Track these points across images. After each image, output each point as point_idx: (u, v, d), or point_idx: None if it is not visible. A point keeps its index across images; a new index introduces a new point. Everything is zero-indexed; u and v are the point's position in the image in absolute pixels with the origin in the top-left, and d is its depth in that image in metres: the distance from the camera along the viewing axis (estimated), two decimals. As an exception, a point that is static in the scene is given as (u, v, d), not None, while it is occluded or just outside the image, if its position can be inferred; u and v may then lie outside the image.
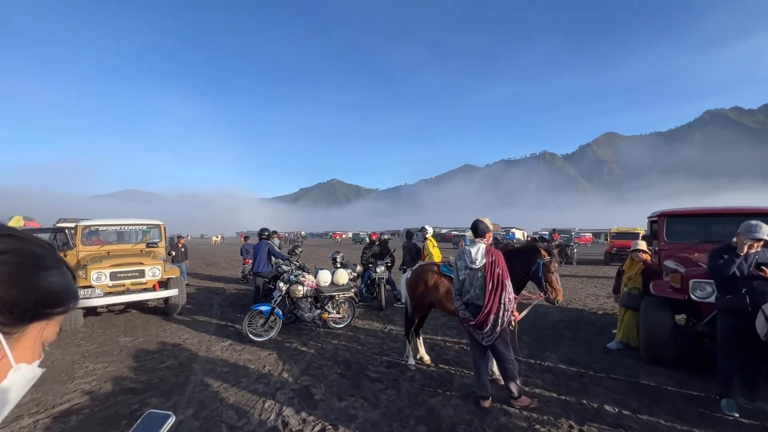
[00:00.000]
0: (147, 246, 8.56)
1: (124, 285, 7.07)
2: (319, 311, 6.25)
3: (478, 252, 3.64)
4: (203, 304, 8.89)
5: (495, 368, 4.21)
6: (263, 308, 5.79)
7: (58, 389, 4.17)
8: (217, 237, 59.47)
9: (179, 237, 12.52)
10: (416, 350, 5.00)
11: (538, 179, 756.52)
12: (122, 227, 8.72)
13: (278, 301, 5.93)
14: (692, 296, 4.46)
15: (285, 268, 6.58)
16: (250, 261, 9.90)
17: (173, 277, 7.64)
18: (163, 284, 7.67)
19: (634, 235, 22.22)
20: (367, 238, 11.37)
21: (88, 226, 8.23)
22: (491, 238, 3.77)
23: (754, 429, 3.30)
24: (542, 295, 3.93)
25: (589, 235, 48.82)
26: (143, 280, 7.21)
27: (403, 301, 8.55)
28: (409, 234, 8.92)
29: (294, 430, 3.31)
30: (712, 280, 4.34)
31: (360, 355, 5.23)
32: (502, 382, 3.80)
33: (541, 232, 37.31)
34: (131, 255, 7.81)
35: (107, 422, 3.44)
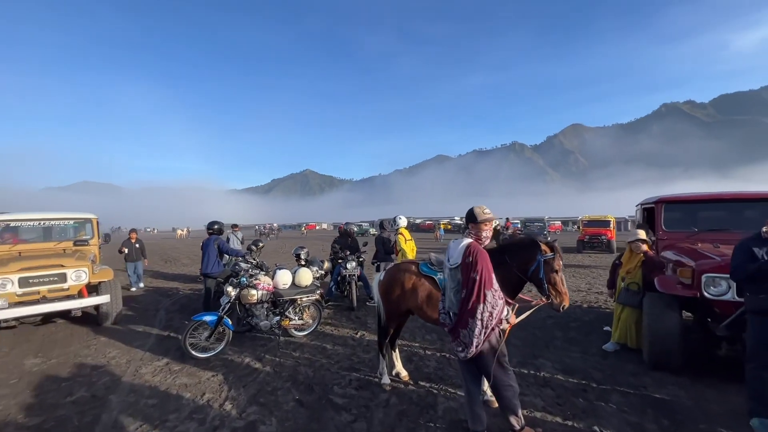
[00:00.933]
0: (75, 244, 7.26)
1: (39, 293, 5.84)
2: (277, 318, 5.32)
3: (459, 248, 2.85)
4: (147, 310, 7.72)
5: (486, 387, 3.48)
6: (207, 318, 4.80)
7: None
8: (182, 230, 56.36)
9: (131, 231, 11.02)
10: (391, 365, 4.20)
11: (508, 169, 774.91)
12: (44, 222, 7.35)
13: (226, 309, 4.95)
14: (705, 293, 3.89)
15: (243, 265, 5.58)
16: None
17: (105, 280, 6.46)
18: (94, 289, 6.48)
19: (605, 223, 22.45)
20: (347, 229, 8.99)
21: (-1, 222, 6.84)
22: (489, 230, 2.96)
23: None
24: (543, 299, 3.19)
25: (558, 223, 50.01)
26: (64, 285, 6.00)
27: (376, 302, 7.79)
28: (382, 226, 8.07)
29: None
30: (726, 275, 3.79)
31: (325, 372, 4.38)
32: (497, 405, 3.08)
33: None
34: (50, 256, 6.52)
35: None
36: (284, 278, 5.40)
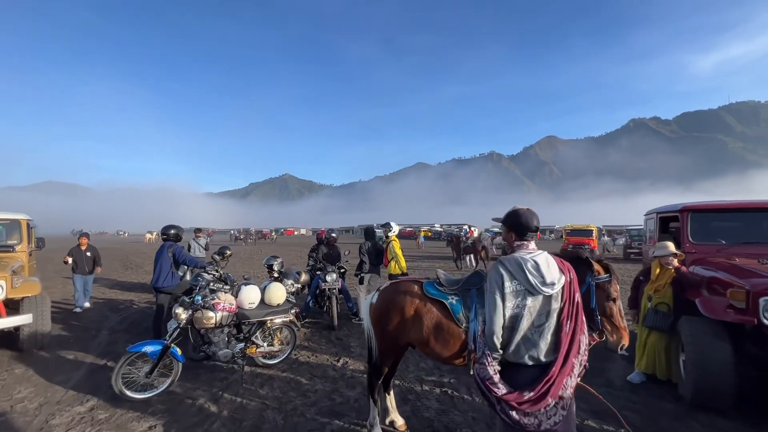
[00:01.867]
0: (-4, 251, 6.01)
1: (-65, 312, 4.62)
2: (241, 345, 4.33)
3: (550, 261, 2.02)
4: (88, 329, 6.51)
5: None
6: (148, 349, 3.76)
7: None
8: (150, 234, 53.28)
9: (80, 236, 8.65)
10: (385, 411, 3.31)
11: (486, 178, 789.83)
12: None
13: (174, 336, 3.92)
14: (765, 320, 3.23)
15: (207, 276, 4.55)
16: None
17: (29, 296, 5.27)
18: (17, 306, 5.28)
19: (587, 232, 22.38)
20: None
21: None
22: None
23: None
24: (595, 337, 2.40)
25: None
26: (-29, 302, 4.79)
27: (362, 322, 6.86)
28: (370, 233, 7.18)
29: None
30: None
31: (299, 419, 3.43)
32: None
33: (452, 228, 35.41)
34: (-45, 265, 5.28)
35: None
36: (251, 296, 4.42)
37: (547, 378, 1.87)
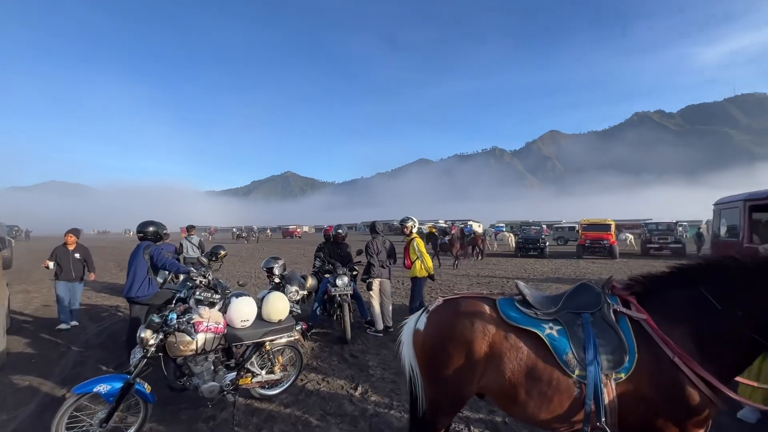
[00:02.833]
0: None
1: None
2: (232, 376, 3.32)
3: None
4: (57, 344, 5.53)
5: None
6: (102, 388, 2.76)
7: None
8: None
9: (68, 233, 6.79)
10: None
11: (488, 174, 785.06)
12: None
13: (140, 368, 2.92)
14: None
15: (197, 277, 3.54)
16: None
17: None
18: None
19: (605, 227, 21.23)
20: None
21: None
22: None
23: None
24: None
25: (544, 227, 49.35)
26: None
27: (377, 330, 5.83)
28: (374, 228, 6.07)
29: None
30: None
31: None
32: None
33: (441, 223, 33.84)
34: None
35: None
36: (244, 311, 3.40)
37: None
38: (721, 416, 3.34)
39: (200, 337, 3.11)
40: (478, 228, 35.27)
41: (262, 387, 3.65)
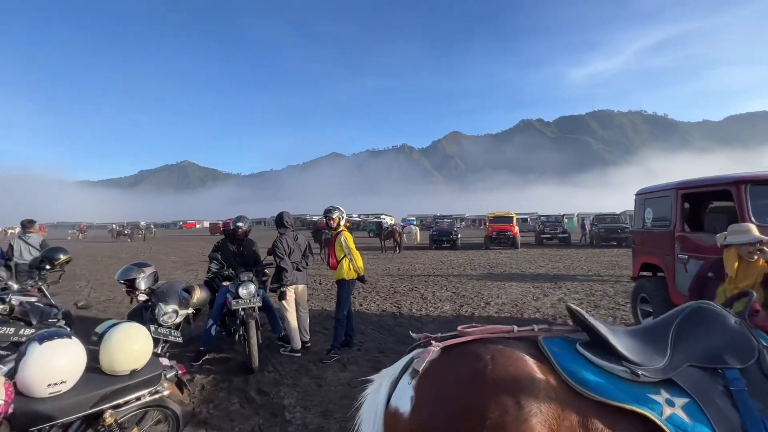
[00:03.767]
0: None
1: None
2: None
3: None
4: None
5: None
6: None
7: None
8: (12, 229, 40.34)
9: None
10: None
11: (398, 170, 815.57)
12: None
13: None
14: None
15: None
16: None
17: None
18: None
19: (508, 219, 22.85)
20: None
21: None
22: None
23: None
24: None
25: (449, 221, 52.59)
26: None
27: (293, 350, 4.64)
28: (281, 221, 4.79)
29: None
30: None
31: None
32: None
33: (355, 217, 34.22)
34: None
35: None
36: (52, 366, 1.92)
37: None
38: None
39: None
40: (390, 221, 35.66)
41: (105, 480, 2.21)
